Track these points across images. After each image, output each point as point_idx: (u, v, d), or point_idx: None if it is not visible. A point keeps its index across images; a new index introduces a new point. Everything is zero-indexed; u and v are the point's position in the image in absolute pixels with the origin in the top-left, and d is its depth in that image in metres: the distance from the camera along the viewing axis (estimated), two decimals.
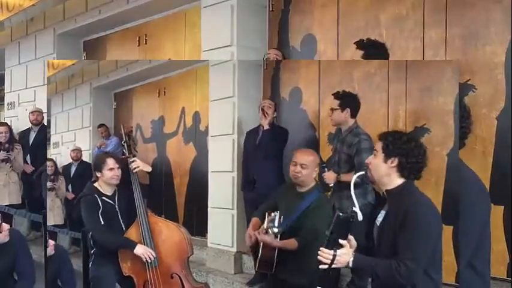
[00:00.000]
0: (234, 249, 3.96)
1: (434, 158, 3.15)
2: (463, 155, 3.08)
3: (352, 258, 1.72)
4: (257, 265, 2.50)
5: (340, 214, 1.72)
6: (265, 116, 3.57)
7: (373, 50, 2.84)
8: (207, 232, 4.25)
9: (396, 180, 1.77)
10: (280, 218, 2.39)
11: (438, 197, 3.08)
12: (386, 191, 1.79)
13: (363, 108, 3.48)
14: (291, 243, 2.32)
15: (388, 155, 1.75)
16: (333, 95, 3.07)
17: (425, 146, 1.83)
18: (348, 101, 2.98)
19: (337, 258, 1.69)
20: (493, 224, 2.86)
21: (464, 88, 3.02)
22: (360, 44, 2.87)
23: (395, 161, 1.75)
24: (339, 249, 1.71)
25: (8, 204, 4.40)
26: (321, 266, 1.72)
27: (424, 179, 3.10)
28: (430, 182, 3.15)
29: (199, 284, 2.73)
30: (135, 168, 2.72)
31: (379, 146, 1.80)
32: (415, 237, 1.63)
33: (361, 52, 2.82)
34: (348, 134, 2.98)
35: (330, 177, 2.95)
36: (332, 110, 3.02)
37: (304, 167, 2.43)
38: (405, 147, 1.74)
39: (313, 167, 2.43)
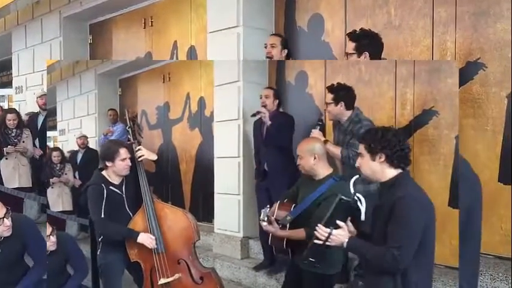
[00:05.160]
0: (241, 235, 3.97)
1: (442, 141, 3.11)
2: (474, 136, 3.04)
3: (346, 240, 1.83)
4: (273, 249, 2.53)
5: (342, 198, 1.83)
6: (262, 116, 3.49)
7: (366, 41, 2.74)
8: (213, 218, 4.26)
9: (389, 172, 1.86)
10: (271, 208, 2.41)
11: (446, 179, 3.04)
12: (381, 183, 1.89)
13: (369, 92, 3.43)
14: (299, 233, 2.28)
15: (373, 153, 1.86)
16: (326, 88, 3.01)
17: (395, 131, 1.91)
18: (342, 94, 2.91)
19: (332, 237, 1.83)
20: (503, 203, 2.84)
21: (475, 66, 2.95)
22: (352, 36, 2.77)
23: (383, 156, 1.84)
24: (336, 229, 1.83)
25: (18, 187, 4.41)
26: (315, 241, 1.87)
27: (433, 162, 3.13)
28: (439, 165, 3.11)
29: (206, 269, 2.73)
30: (140, 156, 2.70)
31: (361, 148, 1.90)
32: (400, 228, 1.73)
33: (353, 44, 2.73)
34: (349, 124, 2.93)
35: (316, 135, 2.92)
36: (326, 104, 2.97)
37: (300, 157, 2.38)
38: (385, 141, 1.84)
39: (308, 154, 2.34)
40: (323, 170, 2.37)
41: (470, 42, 2.99)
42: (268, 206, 2.43)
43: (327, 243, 1.84)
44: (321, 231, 1.85)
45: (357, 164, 1.94)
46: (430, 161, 3.15)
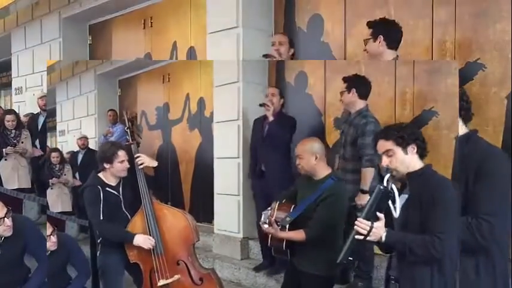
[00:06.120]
0: (241, 235, 3.96)
1: (442, 141, 3.10)
2: None
3: (385, 233, 1.74)
4: (272, 250, 2.52)
5: (382, 187, 1.74)
6: (267, 108, 3.50)
7: (382, 25, 2.76)
8: (213, 218, 4.25)
9: (416, 163, 1.85)
10: (272, 211, 2.39)
11: None
12: (407, 174, 1.84)
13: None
14: (299, 234, 2.28)
15: (406, 145, 1.83)
16: (342, 79, 3.04)
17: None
18: (354, 83, 2.95)
19: (373, 230, 1.72)
20: None
21: (474, 67, 2.95)
22: (370, 23, 2.79)
23: (415, 147, 1.84)
24: (375, 221, 1.73)
25: (17, 188, 4.42)
26: (356, 237, 1.73)
27: (433, 162, 3.11)
28: (439, 166, 3.09)
29: (206, 270, 2.72)
30: (140, 164, 2.68)
31: (389, 144, 1.84)
32: (445, 213, 1.72)
33: (369, 31, 2.75)
34: (356, 117, 2.95)
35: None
36: (341, 93, 2.99)
37: (300, 157, 2.37)
38: (413, 131, 1.87)
39: (309, 154, 2.34)
40: (323, 170, 2.37)
41: (470, 42, 2.99)
42: (269, 208, 2.42)
43: (368, 238, 1.71)
44: (363, 224, 1.71)
45: (384, 164, 1.85)
46: (430, 162, 3.13)
